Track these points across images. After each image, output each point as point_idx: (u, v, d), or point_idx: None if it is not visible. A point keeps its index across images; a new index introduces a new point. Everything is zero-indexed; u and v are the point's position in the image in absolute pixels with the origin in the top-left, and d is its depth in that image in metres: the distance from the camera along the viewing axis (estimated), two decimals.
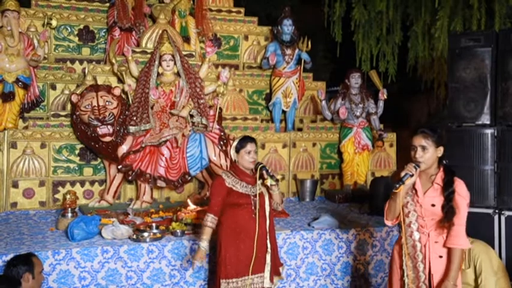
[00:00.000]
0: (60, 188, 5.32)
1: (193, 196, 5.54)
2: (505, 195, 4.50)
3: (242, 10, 7.16)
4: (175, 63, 5.29)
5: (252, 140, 3.63)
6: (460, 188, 2.98)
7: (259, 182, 3.56)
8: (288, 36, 6.45)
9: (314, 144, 6.41)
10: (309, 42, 6.46)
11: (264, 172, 3.50)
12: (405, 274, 3.00)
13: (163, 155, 5.14)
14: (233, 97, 6.24)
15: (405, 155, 3.19)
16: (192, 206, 4.74)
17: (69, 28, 6.33)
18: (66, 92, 5.80)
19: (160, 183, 5.15)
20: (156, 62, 5.25)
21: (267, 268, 3.52)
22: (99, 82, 5.42)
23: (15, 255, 3.49)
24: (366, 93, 6.37)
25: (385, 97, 6.34)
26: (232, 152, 3.65)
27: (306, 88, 6.73)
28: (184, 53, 5.54)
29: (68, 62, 6.18)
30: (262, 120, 6.43)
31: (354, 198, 5.94)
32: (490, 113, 4.64)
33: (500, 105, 4.62)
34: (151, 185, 5.21)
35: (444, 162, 3.05)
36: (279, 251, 3.96)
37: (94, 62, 6.03)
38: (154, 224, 4.44)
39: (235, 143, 3.63)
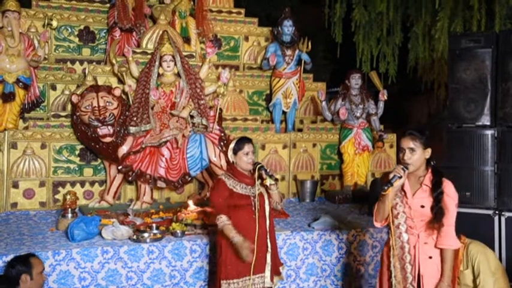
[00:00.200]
0: (60, 189, 5.32)
1: (193, 197, 5.54)
2: (505, 196, 4.49)
3: (242, 11, 7.16)
4: (175, 64, 5.30)
5: (249, 140, 3.63)
6: (449, 188, 3.00)
7: (258, 182, 3.56)
8: (288, 37, 6.45)
9: (314, 145, 6.42)
10: (309, 43, 6.46)
11: (263, 172, 3.50)
12: (393, 275, 3.02)
13: (163, 156, 5.14)
14: (233, 98, 6.24)
15: None
16: (192, 207, 4.75)
17: (69, 29, 6.33)
18: (67, 92, 5.80)
19: (160, 183, 5.15)
20: (157, 63, 5.26)
21: (268, 268, 3.53)
22: (100, 83, 5.43)
23: (15, 255, 3.50)
24: (366, 94, 6.37)
25: (386, 98, 6.35)
26: (229, 154, 3.64)
27: (306, 89, 6.73)
28: (184, 53, 5.54)
29: (68, 63, 6.18)
30: (262, 121, 6.43)
31: (354, 199, 5.94)
32: (490, 114, 4.64)
33: (500, 106, 4.61)
34: (152, 186, 5.21)
35: (432, 163, 3.07)
36: (279, 252, 3.96)
37: (94, 63, 6.03)
38: (154, 225, 4.44)
39: (232, 145, 3.63)
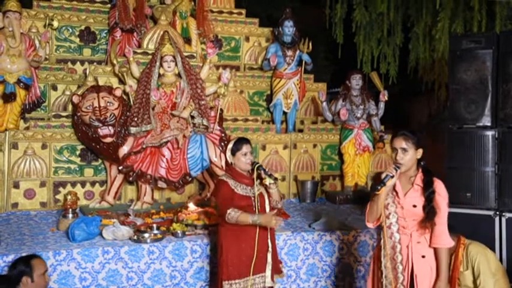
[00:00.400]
0: (61, 189, 5.32)
1: (194, 197, 5.55)
2: (506, 197, 4.50)
3: (243, 11, 7.16)
4: (176, 65, 5.30)
5: (247, 141, 3.63)
6: (440, 188, 3.06)
7: (257, 182, 3.57)
8: (289, 38, 6.45)
9: (315, 146, 6.42)
10: (310, 44, 6.46)
11: (262, 172, 3.50)
12: (383, 275, 3.04)
13: (164, 156, 5.15)
14: (234, 98, 6.24)
15: None
16: (192, 207, 4.75)
17: (70, 29, 6.34)
18: (67, 92, 5.80)
19: (161, 184, 5.16)
20: (157, 63, 5.26)
21: (268, 267, 3.53)
22: (100, 83, 5.43)
23: (18, 256, 3.51)
24: (367, 94, 6.37)
25: (386, 98, 6.34)
26: (228, 155, 3.65)
27: (306, 89, 6.73)
28: (185, 54, 5.54)
29: (69, 63, 6.18)
30: (263, 122, 6.43)
31: (355, 199, 5.93)
32: (490, 115, 4.64)
33: (501, 107, 4.62)
34: (152, 186, 5.21)
35: (422, 163, 3.12)
36: (279, 252, 3.96)
37: (95, 63, 6.03)
38: (155, 225, 4.44)
39: (230, 146, 3.64)
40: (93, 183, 5.47)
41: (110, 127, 4.96)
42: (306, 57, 6.44)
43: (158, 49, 5.32)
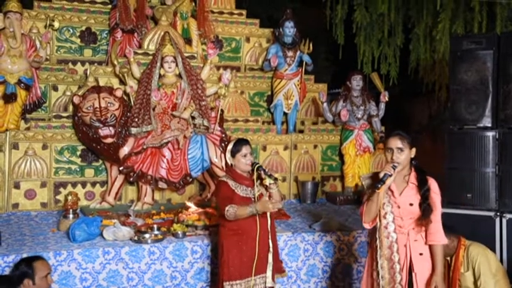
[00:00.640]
0: (61, 189, 5.33)
1: (194, 198, 5.55)
2: (507, 198, 4.49)
3: (244, 12, 7.16)
4: (177, 65, 5.30)
5: (247, 142, 3.63)
6: (434, 185, 3.12)
7: (257, 183, 3.56)
8: (289, 39, 6.45)
9: (315, 146, 6.42)
10: (311, 45, 6.46)
11: (262, 172, 3.50)
12: (380, 276, 3.04)
13: (164, 157, 5.15)
14: (234, 99, 6.24)
15: None
16: (193, 208, 4.75)
17: (71, 29, 6.34)
18: (68, 93, 5.81)
19: (161, 184, 5.16)
20: (158, 64, 5.26)
21: (269, 268, 3.53)
22: (101, 84, 5.43)
23: (19, 257, 3.51)
24: (368, 95, 6.37)
25: (387, 99, 6.34)
26: (227, 156, 3.65)
27: (307, 90, 6.73)
28: (186, 54, 5.55)
29: (70, 64, 6.19)
30: (263, 122, 6.44)
31: (355, 200, 5.93)
32: (491, 116, 4.64)
33: (501, 107, 4.61)
34: (153, 187, 5.21)
35: (413, 162, 3.18)
36: (280, 253, 3.96)
37: (96, 64, 6.03)
38: (155, 226, 4.45)
39: (230, 147, 3.64)
40: (93, 184, 5.48)
41: (111, 128, 4.96)
42: (306, 58, 6.44)
43: (159, 50, 5.32)
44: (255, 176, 3.53)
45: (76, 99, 5.06)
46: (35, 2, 6.23)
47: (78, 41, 6.37)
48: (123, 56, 5.65)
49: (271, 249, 3.54)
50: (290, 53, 6.42)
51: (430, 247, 3.10)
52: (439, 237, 3.10)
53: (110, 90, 5.14)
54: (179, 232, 4.20)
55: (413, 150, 3.13)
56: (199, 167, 5.25)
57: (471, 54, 4.71)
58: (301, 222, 4.92)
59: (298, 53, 6.46)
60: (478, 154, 4.61)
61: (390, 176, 2.96)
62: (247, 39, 7.04)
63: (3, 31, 5.32)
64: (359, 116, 6.21)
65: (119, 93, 5.13)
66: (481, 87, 4.68)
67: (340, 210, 5.64)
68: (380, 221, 3.07)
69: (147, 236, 4.15)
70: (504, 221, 4.42)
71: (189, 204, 4.87)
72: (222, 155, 5.26)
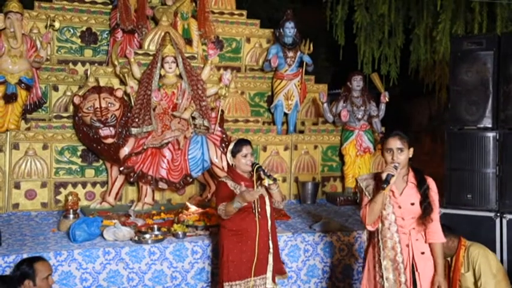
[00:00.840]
0: (62, 190, 5.33)
1: (194, 198, 5.55)
2: (507, 199, 4.50)
3: (244, 12, 7.16)
4: (177, 66, 5.30)
5: (248, 142, 3.63)
6: (433, 184, 3.14)
7: (257, 183, 3.56)
8: (290, 39, 6.45)
9: (315, 147, 6.42)
10: (311, 45, 6.46)
11: (261, 172, 3.49)
12: (384, 277, 3.03)
13: (165, 157, 5.15)
14: (235, 99, 6.24)
15: None
16: (193, 208, 4.75)
17: (71, 30, 6.34)
18: (69, 93, 5.82)
19: (162, 185, 5.16)
20: (158, 64, 5.26)
21: (269, 268, 3.53)
22: (102, 84, 5.43)
23: (20, 257, 3.51)
24: (368, 96, 6.37)
25: (387, 100, 6.34)
26: (228, 156, 3.65)
27: (307, 91, 6.73)
28: (186, 55, 5.55)
29: (71, 64, 6.19)
30: (263, 123, 6.44)
31: (356, 201, 5.93)
32: (491, 116, 4.65)
33: (502, 108, 4.62)
34: (153, 187, 5.21)
35: (410, 162, 3.19)
36: (280, 254, 3.95)
37: (96, 64, 6.04)
38: (155, 226, 4.45)
39: (230, 147, 3.64)
40: (94, 184, 5.48)
41: (111, 128, 4.97)
42: (306, 59, 6.44)
43: (159, 50, 5.33)
44: (254, 177, 3.53)
45: (76, 100, 5.06)
46: (36, 2, 6.23)
47: (78, 41, 6.37)
48: (123, 56, 5.65)
49: (271, 250, 3.54)
50: (290, 54, 6.43)
51: (430, 246, 3.12)
52: (438, 236, 3.12)
53: (111, 91, 5.14)
54: (179, 232, 4.20)
55: (411, 150, 3.13)
56: (200, 167, 5.25)
57: (471, 54, 4.72)
58: (302, 222, 4.92)
59: (298, 53, 6.46)
60: (478, 155, 4.62)
61: (393, 176, 2.96)
62: (248, 40, 7.04)
63: (3, 31, 5.32)
64: (359, 116, 6.21)
65: (119, 93, 5.13)
66: (481, 87, 4.68)
67: (341, 211, 5.64)
68: (382, 222, 3.06)
69: (147, 236, 4.15)
70: (504, 221, 4.43)
71: (189, 204, 4.87)
72: (223, 156, 5.26)
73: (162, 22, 5.80)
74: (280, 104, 6.47)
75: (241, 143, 3.61)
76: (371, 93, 6.54)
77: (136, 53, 5.48)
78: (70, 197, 4.64)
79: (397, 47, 8.90)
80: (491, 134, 4.60)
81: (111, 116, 4.96)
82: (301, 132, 6.53)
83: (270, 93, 6.76)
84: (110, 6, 6.40)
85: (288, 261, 4.31)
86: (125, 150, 5.09)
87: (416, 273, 3.05)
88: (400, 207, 3.06)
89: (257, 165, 3.52)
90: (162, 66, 5.26)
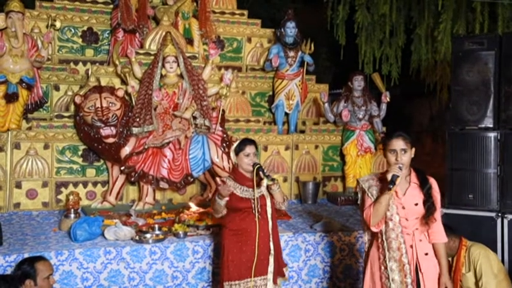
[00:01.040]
0: (63, 189, 5.33)
1: (195, 198, 5.55)
2: (508, 199, 4.49)
3: (245, 12, 7.17)
4: (178, 65, 5.30)
5: (252, 142, 3.62)
6: (435, 184, 3.14)
7: (261, 183, 3.55)
8: (291, 39, 6.45)
9: (316, 147, 6.41)
10: (312, 45, 6.46)
11: (261, 172, 3.49)
12: (390, 278, 3.01)
13: (166, 157, 5.15)
14: (236, 99, 6.24)
15: None
16: (194, 208, 4.75)
17: (72, 29, 6.35)
18: (70, 93, 5.82)
19: (162, 184, 5.16)
20: (160, 64, 5.27)
21: (270, 270, 3.52)
22: (103, 83, 5.44)
23: (21, 256, 3.51)
24: (369, 95, 6.36)
25: (388, 100, 6.34)
26: (232, 155, 3.66)
27: (308, 90, 6.73)
28: (187, 54, 5.55)
29: (72, 63, 6.20)
30: (264, 123, 6.44)
31: (356, 200, 5.91)
32: (493, 117, 4.64)
33: (503, 108, 4.61)
34: (154, 187, 5.21)
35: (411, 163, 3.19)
36: (283, 255, 3.94)
37: (97, 64, 6.04)
38: (156, 226, 4.44)
39: (234, 146, 3.64)
40: (95, 184, 5.48)
41: (112, 127, 4.97)
42: (307, 58, 6.44)
43: (160, 50, 5.33)
44: (254, 177, 3.52)
45: (78, 99, 5.06)
46: (37, 2, 6.24)
47: (79, 40, 6.38)
48: (124, 56, 5.66)
49: (272, 251, 3.52)
50: (291, 53, 6.43)
51: (434, 246, 3.11)
52: (441, 235, 3.12)
53: (112, 90, 5.14)
54: (180, 232, 4.20)
55: (413, 150, 3.13)
56: (201, 167, 5.25)
57: (473, 54, 4.71)
58: (302, 222, 4.92)
59: (299, 53, 6.46)
60: (479, 155, 4.61)
61: (398, 176, 2.94)
62: (249, 40, 7.04)
63: (5, 31, 5.33)
64: (360, 116, 6.21)
65: (120, 93, 5.13)
66: (483, 87, 4.68)
67: (341, 211, 5.64)
68: (386, 223, 3.04)
69: (148, 236, 4.15)
70: (506, 221, 4.42)
71: (190, 204, 4.87)
72: (223, 155, 5.27)
73: (163, 22, 5.81)
74: (281, 103, 6.47)
75: (245, 142, 3.61)
76: (372, 93, 6.54)
77: (137, 53, 5.49)
78: (71, 197, 4.65)
79: (398, 47, 8.90)
80: (492, 134, 4.59)
81: (112, 115, 4.96)
82: (302, 132, 6.53)
83: (271, 93, 6.76)
84: (111, 6, 6.41)
85: (289, 261, 4.30)
86: (126, 150, 5.09)
87: (420, 274, 3.03)
88: (403, 207, 3.05)
89: (257, 165, 3.52)
90: (163, 65, 5.27)
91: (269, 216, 3.55)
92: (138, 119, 5.04)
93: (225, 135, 5.39)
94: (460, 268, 3.83)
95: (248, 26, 7.05)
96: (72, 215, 4.53)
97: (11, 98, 5.29)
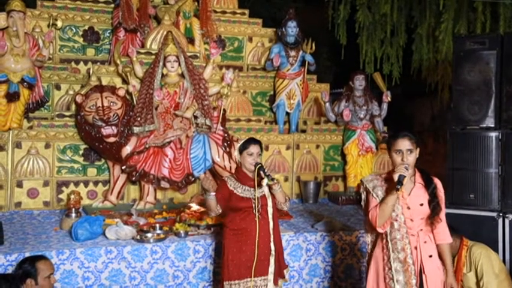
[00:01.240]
0: (64, 188, 5.33)
1: (196, 197, 5.55)
2: (509, 199, 4.49)
3: (246, 12, 7.16)
4: (179, 65, 5.30)
5: (256, 142, 3.61)
6: (440, 184, 3.13)
7: (263, 183, 3.55)
8: (292, 38, 6.45)
9: (317, 146, 6.41)
10: (313, 44, 6.45)
11: (261, 172, 3.49)
12: (394, 279, 2.99)
13: (167, 156, 5.15)
14: (237, 98, 6.24)
15: None
16: (195, 207, 4.75)
17: (74, 29, 6.35)
18: (71, 92, 5.82)
19: (164, 184, 5.16)
20: (161, 63, 5.27)
21: (271, 270, 3.51)
22: (104, 83, 5.43)
23: (23, 255, 3.51)
24: (370, 95, 6.36)
25: (389, 99, 6.34)
26: (236, 153, 3.66)
27: (309, 90, 6.73)
28: (188, 54, 5.55)
29: (73, 63, 6.19)
30: (265, 122, 6.43)
31: (357, 200, 5.93)
32: (494, 116, 4.63)
33: (504, 108, 4.61)
34: (155, 186, 5.21)
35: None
36: (284, 257, 3.93)
37: (99, 63, 6.04)
38: (157, 225, 4.45)
39: (239, 144, 3.65)
40: (96, 183, 5.48)
41: (113, 127, 4.97)
42: (309, 58, 6.43)
43: (161, 49, 5.33)
44: (255, 176, 3.52)
45: (79, 99, 5.07)
46: (38, 1, 6.23)
47: (81, 40, 6.38)
48: (125, 55, 5.66)
49: (273, 252, 3.51)
50: (293, 53, 6.42)
51: (439, 247, 3.09)
52: (446, 236, 3.11)
53: (113, 90, 5.14)
54: (181, 231, 4.20)
55: (418, 150, 3.11)
56: (202, 166, 5.25)
57: (474, 54, 4.71)
58: (304, 222, 4.92)
59: (300, 52, 6.45)
60: (480, 155, 4.61)
61: (405, 177, 2.92)
62: (250, 39, 7.04)
63: (6, 30, 5.33)
64: (361, 116, 6.21)
65: (121, 92, 5.13)
66: (484, 87, 4.67)
67: (342, 210, 5.64)
68: (391, 224, 3.02)
69: (149, 235, 4.15)
70: (507, 221, 4.42)
71: (191, 203, 4.87)
72: (225, 155, 5.27)
73: (164, 21, 5.80)
74: (282, 103, 6.46)
75: (250, 141, 3.60)
76: (373, 93, 6.54)
77: (138, 52, 5.49)
78: (72, 196, 4.66)
79: (400, 46, 8.89)
80: (493, 134, 4.59)
81: (113, 115, 4.96)
82: (303, 131, 6.53)
83: (272, 93, 6.76)
84: (112, 5, 6.40)
85: (290, 260, 4.30)
86: (127, 149, 5.10)
87: (423, 275, 3.01)
88: (409, 208, 3.02)
89: (259, 165, 3.52)
90: (164, 65, 5.27)
91: (270, 216, 3.54)
92: (139, 119, 5.04)
93: (226, 135, 5.39)
94: (461, 268, 3.82)
95: (249, 26, 7.05)
96: (73, 214, 4.54)
97: (12, 97, 5.30)
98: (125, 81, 5.42)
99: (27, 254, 3.56)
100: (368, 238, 3.27)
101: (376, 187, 3.10)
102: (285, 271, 3.70)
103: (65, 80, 5.90)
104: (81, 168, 5.44)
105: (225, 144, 5.32)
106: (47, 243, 3.98)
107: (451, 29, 7.77)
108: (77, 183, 5.40)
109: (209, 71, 5.54)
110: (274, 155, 6.17)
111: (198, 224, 4.37)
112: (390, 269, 3.01)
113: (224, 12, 6.98)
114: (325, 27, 9.20)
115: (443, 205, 3.08)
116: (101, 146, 5.11)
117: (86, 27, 6.39)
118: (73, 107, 5.45)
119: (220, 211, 3.54)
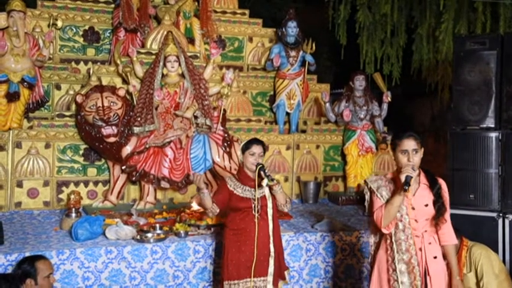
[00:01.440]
0: (64, 188, 5.33)
1: (196, 197, 5.54)
2: (509, 199, 4.49)
3: (247, 12, 7.16)
4: (179, 65, 5.30)
5: (259, 142, 3.60)
6: (444, 185, 3.11)
7: (263, 183, 3.55)
8: (292, 38, 6.45)
9: (318, 147, 6.41)
10: (313, 44, 6.45)
11: (262, 172, 3.49)
12: (399, 281, 2.97)
13: (167, 156, 5.15)
14: (237, 99, 6.24)
15: None
16: (195, 207, 4.75)
17: (74, 29, 6.35)
18: (71, 92, 5.82)
19: (164, 184, 5.16)
20: (161, 63, 5.27)
21: (270, 271, 3.50)
22: (104, 83, 5.43)
23: (23, 255, 3.51)
24: (370, 95, 6.36)
25: (389, 100, 6.33)
26: (238, 153, 3.67)
27: (310, 90, 6.72)
28: (188, 54, 5.55)
29: (73, 63, 6.19)
30: (266, 122, 6.43)
31: (358, 200, 5.93)
32: (494, 116, 4.64)
33: (504, 108, 4.61)
34: (155, 186, 5.21)
35: None
36: (285, 258, 3.92)
37: (99, 63, 6.04)
38: (157, 225, 4.45)
39: (242, 144, 3.65)
40: (96, 183, 5.48)
41: (113, 127, 4.97)
42: (309, 58, 6.43)
43: (162, 49, 5.33)
44: (256, 177, 3.51)
45: (79, 98, 5.07)
46: (39, 1, 6.23)
47: (81, 40, 6.38)
48: (126, 55, 5.66)
49: (272, 253, 3.51)
50: (293, 53, 6.42)
51: (444, 248, 3.07)
52: (451, 237, 3.09)
53: (113, 90, 5.14)
54: (181, 231, 4.20)
55: (423, 150, 3.09)
56: (202, 166, 5.25)
57: (474, 54, 4.71)
58: (304, 222, 4.92)
59: (300, 52, 6.45)
60: (480, 155, 4.61)
61: (412, 177, 2.91)
62: (250, 39, 7.04)
63: (6, 30, 5.33)
64: (361, 116, 6.21)
65: (121, 92, 5.13)
66: (484, 87, 4.68)
67: (343, 210, 5.64)
68: (396, 224, 3.00)
69: (149, 235, 4.15)
70: (507, 221, 4.42)
71: (191, 203, 4.87)
72: (225, 155, 5.27)
73: (164, 21, 5.80)
74: (282, 103, 6.46)
75: (253, 141, 3.60)
76: (373, 93, 6.54)
77: (138, 52, 5.49)
78: (72, 196, 4.66)
79: (400, 46, 8.90)
80: (493, 134, 4.59)
81: (114, 114, 4.96)
82: (303, 131, 6.52)
83: (272, 93, 6.76)
84: (113, 5, 6.40)
85: (290, 260, 4.30)
86: (127, 149, 5.09)
87: (428, 277, 2.99)
88: (413, 208, 3.00)
89: (260, 166, 3.52)
90: (164, 65, 5.27)
91: (270, 217, 3.54)
92: (139, 119, 5.04)
93: (226, 135, 5.39)
94: (461, 268, 3.82)
95: (249, 26, 7.05)
96: (73, 214, 4.54)
97: (12, 97, 5.29)
98: (125, 81, 5.42)
99: (27, 254, 3.56)
100: (371, 239, 3.25)
101: (380, 187, 3.08)
102: (285, 272, 3.69)
103: (65, 80, 5.90)
104: (81, 168, 5.44)
105: (225, 144, 5.32)
106: (47, 243, 3.98)
107: (451, 29, 7.78)
108: (77, 183, 5.40)
109: (209, 71, 5.54)
110: (274, 155, 6.17)
111: (198, 224, 4.37)
112: (394, 270, 2.99)
113: (224, 12, 6.98)
114: (325, 27, 9.20)
115: (448, 206, 3.05)
116: (101, 146, 5.11)
117: (86, 27, 6.39)
118: (73, 107, 5.45)
119: (218, 210, 3.53)
